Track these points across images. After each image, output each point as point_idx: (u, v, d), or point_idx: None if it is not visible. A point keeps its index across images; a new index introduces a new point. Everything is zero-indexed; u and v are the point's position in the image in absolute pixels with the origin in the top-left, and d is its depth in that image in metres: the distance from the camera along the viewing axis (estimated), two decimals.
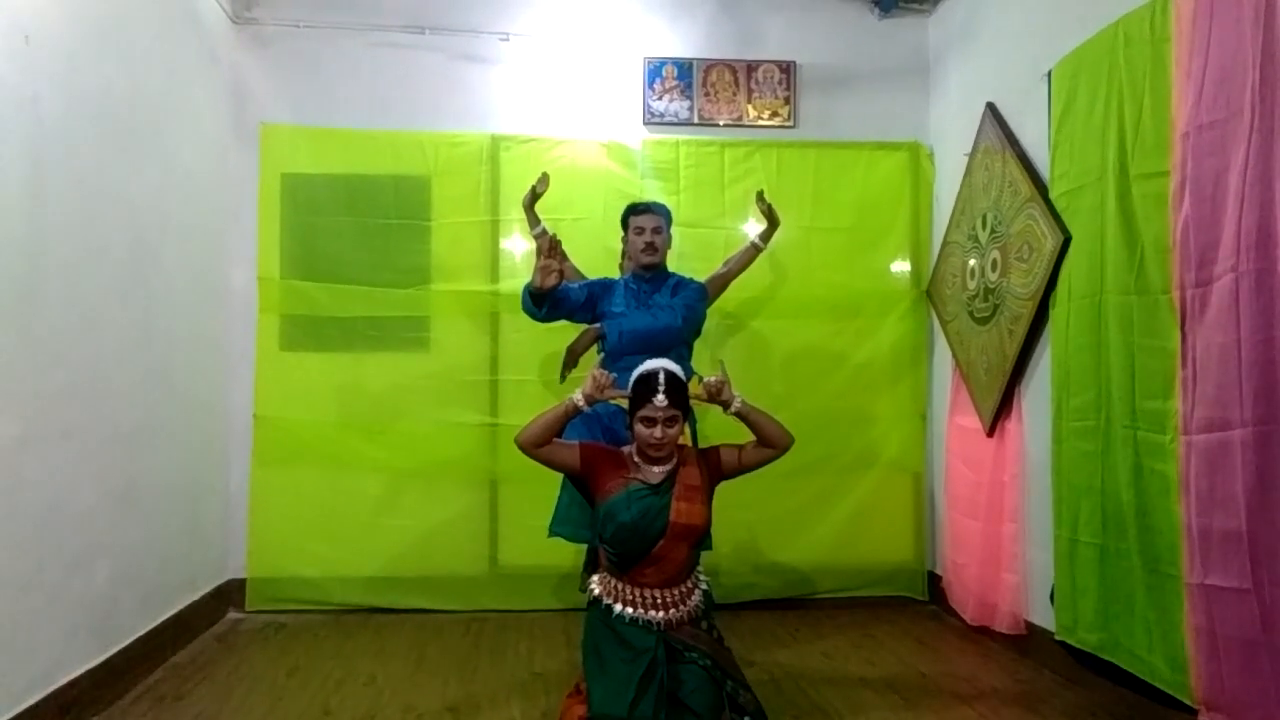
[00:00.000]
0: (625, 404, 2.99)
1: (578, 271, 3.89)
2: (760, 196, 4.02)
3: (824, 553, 4.56)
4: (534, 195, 3.87)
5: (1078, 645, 3.23)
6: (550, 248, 3.30)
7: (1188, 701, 2.68)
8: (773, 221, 3.98)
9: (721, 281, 3.93)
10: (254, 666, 3.61)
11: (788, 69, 4.68)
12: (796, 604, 4.48)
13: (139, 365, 3.45)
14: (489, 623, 4.21)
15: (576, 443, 2.98)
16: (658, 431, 2.85)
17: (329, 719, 3.03)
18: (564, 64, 4.61)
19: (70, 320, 2.96)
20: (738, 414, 2.96)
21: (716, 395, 2.95)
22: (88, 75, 3.09)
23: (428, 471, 4.45)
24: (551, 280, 3.32)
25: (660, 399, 2.83)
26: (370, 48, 4.53)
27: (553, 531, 3.48)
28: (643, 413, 2.86)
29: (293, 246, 4.46)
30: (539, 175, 3.90)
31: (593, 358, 3.69)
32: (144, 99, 3.50)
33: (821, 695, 3.26)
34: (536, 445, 2.89)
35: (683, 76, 4.66)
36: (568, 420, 2.93)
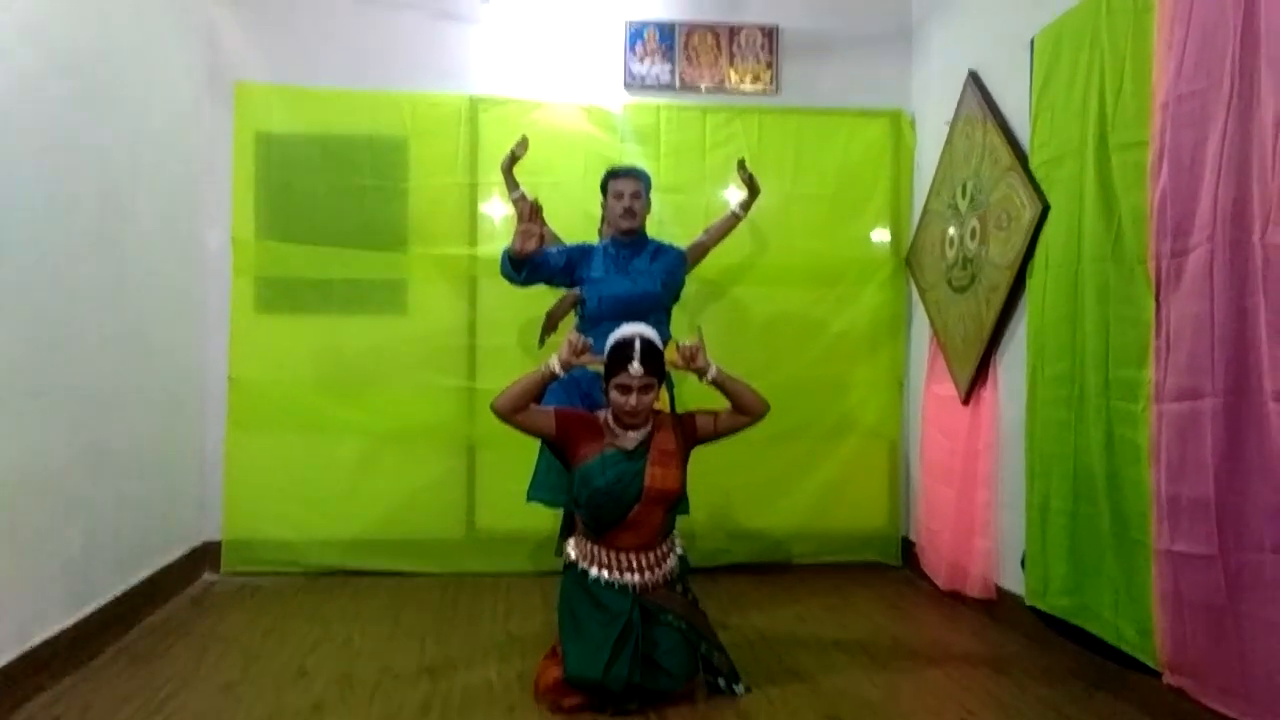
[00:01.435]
0: (602, 368, 2.99)
1: (555, 237, 3.87)
2: (741, 165, 4.00)
3: (800, 519, 4.60)
4: (512, 159, 3.83)
5: (1047, 610, 3.28)
6: (531, 212, 3.28)
7: (1153, 665, 2.73)
8: (753, 190, 3.95)
9: (701, 249, 3.92)
10: (230, 628, 3.61)
11: (770, 33, 4.64)
12: (772, 569, 4.52)
13: (111, 325, 3.40)
14: (466, 586, 4.23)
15: (552, 409, 2.99)
16: (632, 399, 2.86)
17: (305, 679, 3.04)
18: (544, 25, 4.54)
19: (40, 278, 2.91)
20: (713, 382, 2.97)
21: (691, 361, 2.95)
22: (58, 30, 3.02)
23: (405, 435, 4.43)
24: (532, 245, 3.30)
25: (635, 367, 2.83)
26: (348, 5, 4.45)
27: (531, 496, 3.50)
28: (617, 380, 2.86)
29: (268, 207, 4.40)
30: (518, 138, 3.86)
31: (571, 323, 3.68)
32: (115, 55, 3.44)
33: (794, 657, 3.30)
34: (513, 411, 2.89)
35: (664, 39, 4.62)
36: (544, 386, 2.92)
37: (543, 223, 3.38)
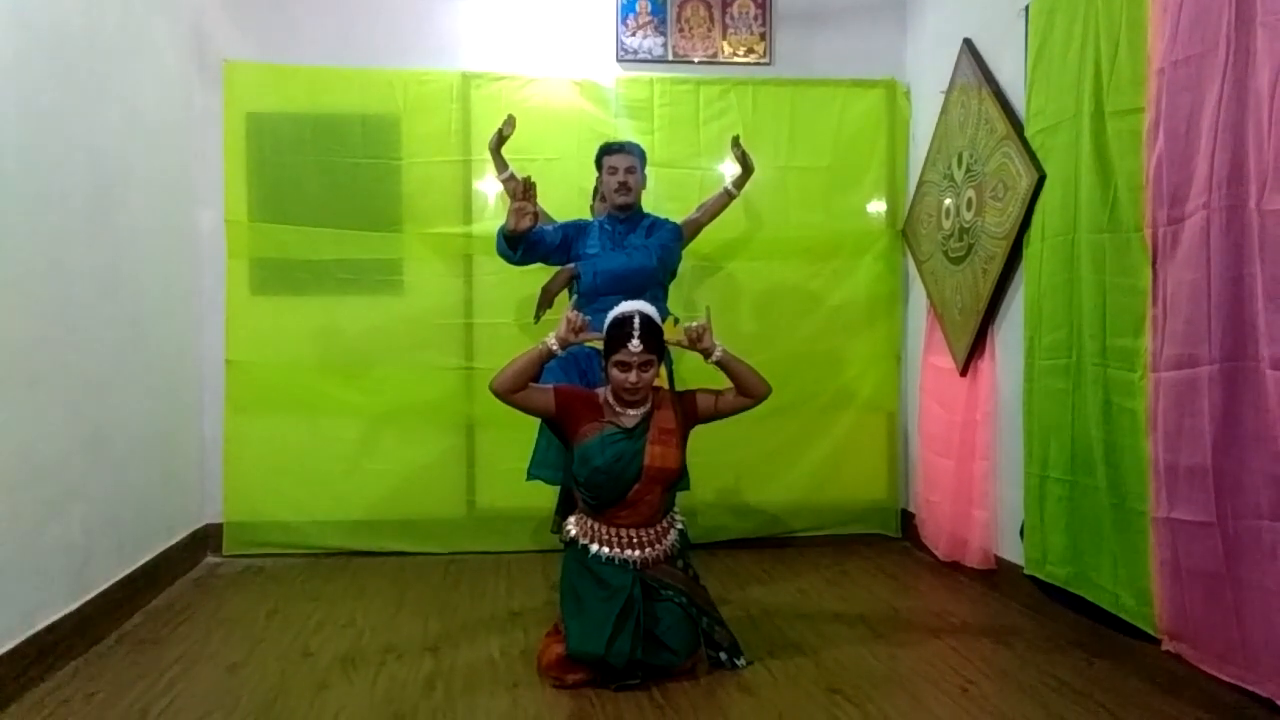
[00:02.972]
0: (600, 346, 2.98)
1: (548, 216, 3.84)
2: (735, 142, 3.95)
3: (799, 492, 4.61)
4: (500, 139, 3.78)
5: (1046, 579, 3.29)
6: (525, 190, 3.27)
7: (1151, 632, 2.75)
8: (747, 168, 3.91)
9: (695, 226, 3.88)
10: (233, 610, 3.63)
11: (764, 4, 4.60)
12: (772, 543, 4.54)
13: (107, 311, 3.39)
14: (467, 564, 4.24)
15: (551, 386, 2.98)
16: (632, 376, 2.85)
17: (309, 660, 3.05)
18: None
19: (33, 266, 2.90)
20: (718, 363, 2.96)
21: (697, 341, 2.95)
22: (41, 13, 2.98)
23: (404, 415, 4.43)
24: (526, 222, 3.29)
25: (635, 344, 2.82)
26: None
27: (531, 475, 3.50)
28: (617, 357, 2.86)
29: (260, 188, 4.37)
30: (505, 118, 3.82)
31: (567, 299, 3.67)
32: (101, 37, 3.40)
33: (795, 630, 3.31)
34: (511, 391, 2.88)
35: (657, 11, 4.57)
36: (542, 365, 2.92)
37: (536, 200, 3.37)
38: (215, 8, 4.34)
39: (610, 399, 2.96)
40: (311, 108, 4.38)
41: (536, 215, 3.34)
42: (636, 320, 2.86)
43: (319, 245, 4.36)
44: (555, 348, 2.90)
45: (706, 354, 2.96)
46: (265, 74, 4.36)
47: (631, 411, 2.94)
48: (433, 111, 4.42)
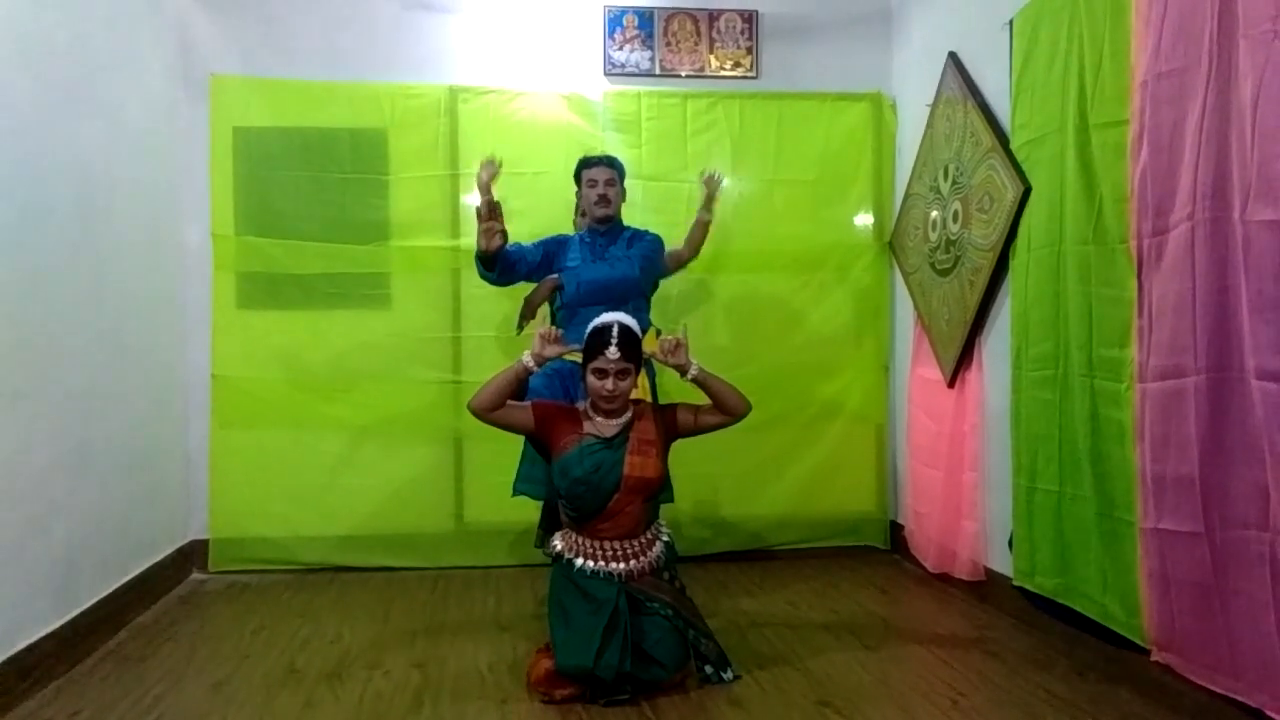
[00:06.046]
0: (579, 359, 2.99)
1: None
2: (711, 178, 3.83)
3: (788, 505, 4.60)
4: (490, 176, 3.60)
5: (1035, 590, 3.29)
6: (490, 210, 3.27)
7: (1140, 643, 2.75)
8: (710, 199, 3.82)
9: (677, 260, 3.82)
10: (218, 627, 3.60)
11: (750, 18, 4.62)
12: (760, 555, 4.53)
13: (91, 325, 3.37)
14: (455, 579, 4.22)
15: (529, 403, 2.99)
16: (609, 383, 2.87)
17: (295, 676, 3.03)
18: (522, 13, 4.51)
19: (16, 279, 2.87)
20: (694, 380, 2.97)
21: (671, 354, 2.95)
22: (26, 26, 2.97)
23: (391, 430, 4.41)
24: (496, 241, 3.31)
25: (613, 351, 2.84)
26: None
27: (517, 490, 3.50)
28: (595, 364, 2.88)
29: (247, 202, 4.35)
30: (485, 158, 3.46)
31: (549, 311, 3.67)
32: (87, 50, 3.38)
33: (784, 642, 3.30)
34: (489, 409, 2.89)
35: (644, 26, 4.59)
36: (518, 383, 2.92)
37: (502, 219, 3.36)
38: (201, 21, 4.33)
39: (589, 409, 2.97)
40: (298, 122, 4.37)
41: (505, 234, 3.34)
42: (615, 328, 2.89)
43: (306, 259, 4.35)
44: (531, 365, 2.91)
45: (681, 371, 2.97)
46: (252, 88, 4.35)
47: (611, 421, 2.94)
48: (420, 126, 4.42)
